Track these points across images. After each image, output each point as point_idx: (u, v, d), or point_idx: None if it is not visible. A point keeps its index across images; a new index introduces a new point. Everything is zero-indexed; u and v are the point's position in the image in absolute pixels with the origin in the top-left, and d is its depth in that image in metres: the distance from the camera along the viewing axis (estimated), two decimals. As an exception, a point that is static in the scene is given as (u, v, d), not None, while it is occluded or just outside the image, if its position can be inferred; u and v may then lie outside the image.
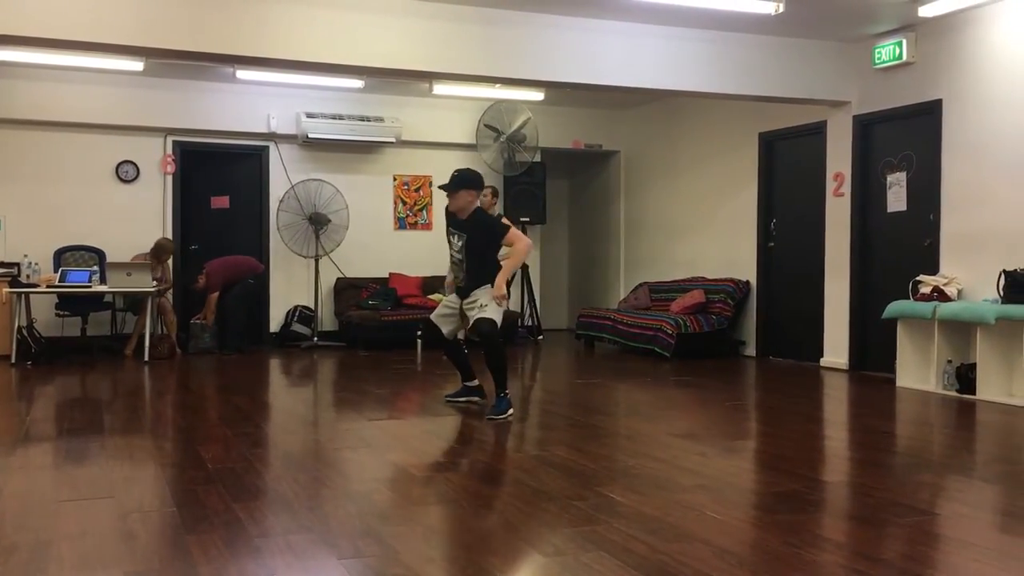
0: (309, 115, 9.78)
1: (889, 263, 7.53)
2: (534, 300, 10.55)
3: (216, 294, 9.12)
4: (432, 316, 5.92)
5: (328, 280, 10.19)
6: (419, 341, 8.78)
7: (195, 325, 9.18)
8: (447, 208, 5.79)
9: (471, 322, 5.63)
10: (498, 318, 5.58)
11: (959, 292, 6.70)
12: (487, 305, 5.56)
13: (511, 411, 5.50)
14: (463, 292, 5.73)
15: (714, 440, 4.92)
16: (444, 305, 5.88)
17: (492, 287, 5.60)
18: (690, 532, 3.13)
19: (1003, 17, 6.53)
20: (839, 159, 7.96)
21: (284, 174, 10.05)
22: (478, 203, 5.80)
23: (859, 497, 3.70)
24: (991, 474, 4.20)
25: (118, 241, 9.27)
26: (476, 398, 6.00)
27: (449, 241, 5.81)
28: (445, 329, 5.79)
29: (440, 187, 5.80)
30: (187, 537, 3.05)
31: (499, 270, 5.68)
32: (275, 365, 8.48)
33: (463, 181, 5.70)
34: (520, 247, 5.69)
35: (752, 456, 4.62)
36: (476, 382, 6.01)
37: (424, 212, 10.64)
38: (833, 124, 8.02)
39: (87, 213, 9.38)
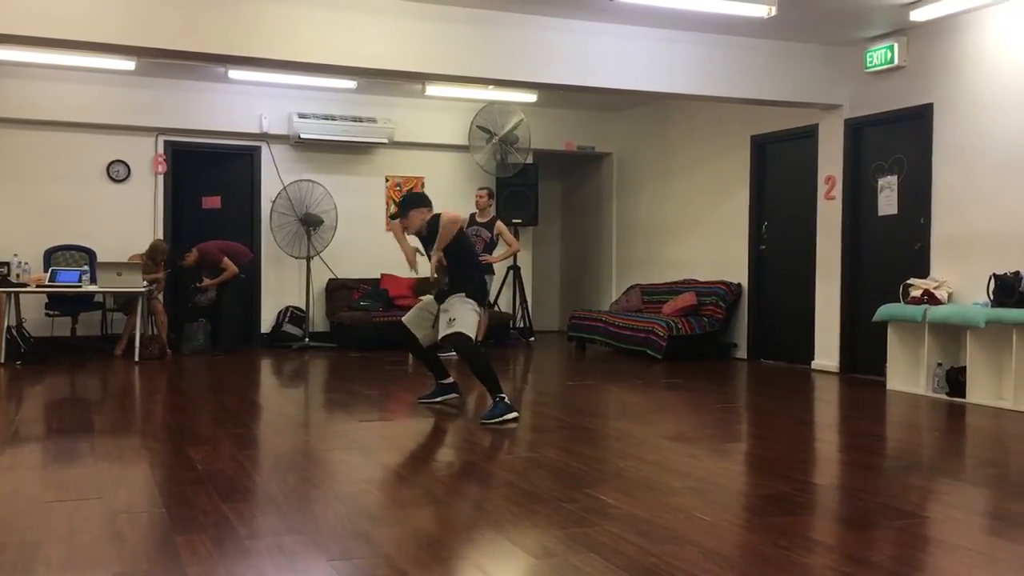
0: (301, 115, 9.77)
1: (880, 266, 7.55)
2: (526, 302, 10.56)
3: (227, 259, 9.11)
4: (407, 321, 5.79)
5: (320, 281, 10.17)
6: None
7: (189, 326, 9.16)
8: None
9: (440, 334, 5.53)
10: (470, 330, 5.44)
11: (949, 295, 6.72)
12: (455, 319, 5.43)
13: (511, 415, 5.34)
14: (440, 297, 5.66)
15: (705, 442, 4.92)
16: (423, 310, 5.78)
17: (465, 296, 5.54)
18: (680, 534, 3.14)
19: (994, 22, 6.56)
20: (831, 162, 7.98)
21: (276, 174, 10.04)
22: (428, 217, 5.69)
23: (849, 500, 3.71)
24: (980, 477, 4.22)
25: (109, 241, 9.24)
26: (452, 395, 5.99)
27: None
28: (420, 334, 5.74)
29: (392, 217, 5.80)
30: (176, 538, 3.04)
31: (471, 275, 5.68)
32: (266, 366, 8.46)
33: (408, 203, 5.77)
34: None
35: (742, 458, 4.63)
36: (451, 379, 6.01)
37: (416, 213, 10.58)
38: (825, 127, 8.04)
39: (78, 213, 9.35)
